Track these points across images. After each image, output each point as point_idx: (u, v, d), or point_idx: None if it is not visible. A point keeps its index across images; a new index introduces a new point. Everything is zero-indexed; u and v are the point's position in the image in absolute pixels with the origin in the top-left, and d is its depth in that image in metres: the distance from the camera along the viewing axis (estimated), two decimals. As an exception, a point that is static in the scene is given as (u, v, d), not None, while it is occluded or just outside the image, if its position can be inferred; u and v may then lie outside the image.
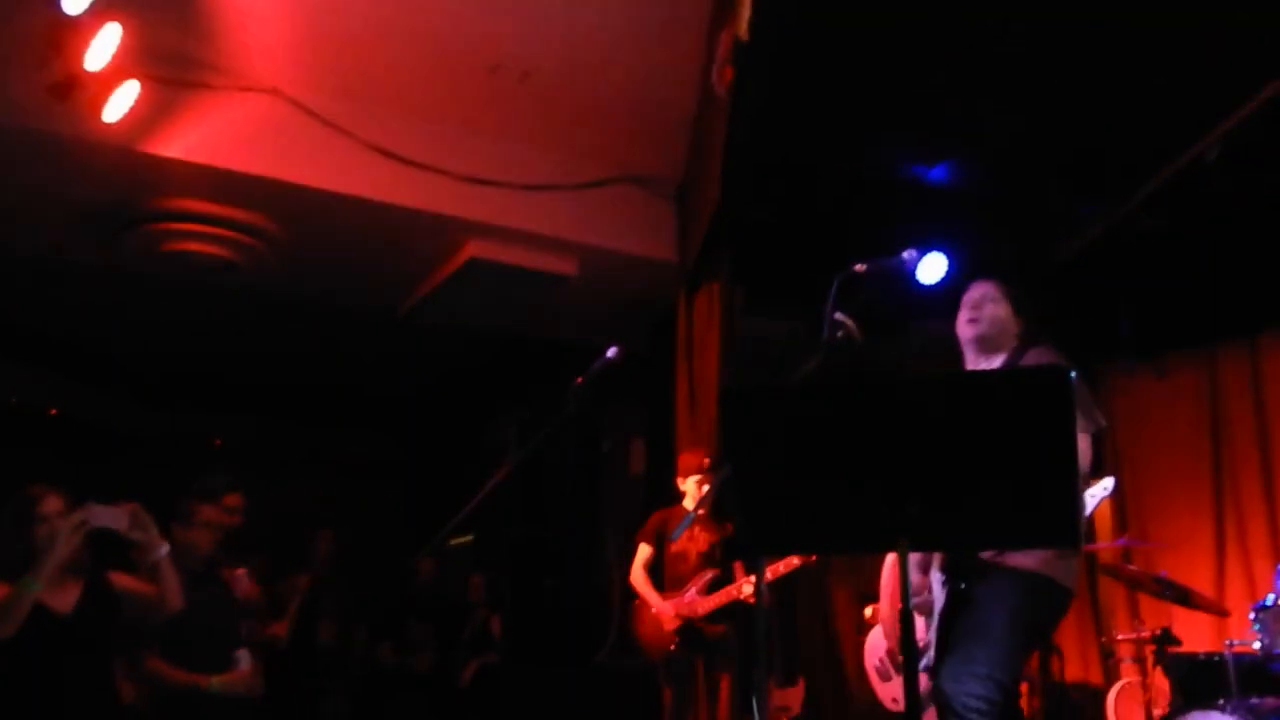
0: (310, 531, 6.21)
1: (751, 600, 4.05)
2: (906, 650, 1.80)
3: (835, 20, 3.96)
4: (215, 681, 3.41)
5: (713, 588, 4.22)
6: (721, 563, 4.30)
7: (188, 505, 3.61)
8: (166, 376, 7.73)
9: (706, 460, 4.44)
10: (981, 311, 2.74)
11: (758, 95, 4.22)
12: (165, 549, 3.13)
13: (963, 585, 2.40)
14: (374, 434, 9.10)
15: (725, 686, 4.18)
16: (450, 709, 6.08)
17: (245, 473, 4.18)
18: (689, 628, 4.20)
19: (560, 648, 6.02)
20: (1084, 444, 2.34)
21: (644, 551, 4.43)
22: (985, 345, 2.74)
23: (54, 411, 7.46)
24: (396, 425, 9.00)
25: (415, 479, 8.91)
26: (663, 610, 4.23)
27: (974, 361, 2.77)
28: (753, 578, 4.09)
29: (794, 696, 4.92)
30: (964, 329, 2.78)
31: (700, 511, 4.27)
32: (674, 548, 4.35)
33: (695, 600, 4.22)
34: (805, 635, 5.85)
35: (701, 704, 4.33)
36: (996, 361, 2.72)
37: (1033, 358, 2.61)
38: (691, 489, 4.40)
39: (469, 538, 6.90)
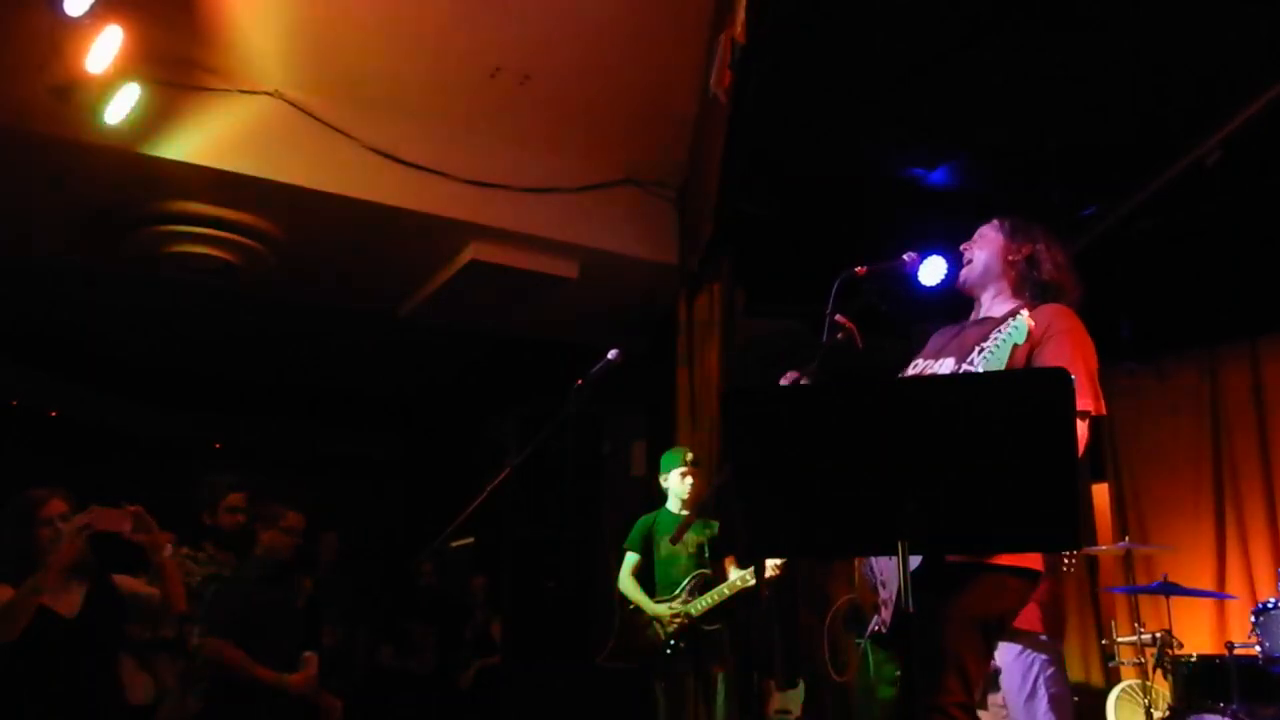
0: (312, 533, 6.20)
1: (749, 586, 4.05)
2: (906, 652, 1.80)
3: (834, 21, 3.96)
4: (289, 680, 3.47)
5: (704, 587, 4.23)
6: (711, 561, 4.31)
7: (273, 509, 3.68)
8: (167, 377, 7.73)
9: (689, 455, 4.44)
10: (973, 252, 2.51)
11: (757, 98, 4.22)
12: (168, 551, 3.14)
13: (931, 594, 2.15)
14: (374, 434, 9.11)
15: (719, 682, 4.18)
16: (451, 710, 6.08)
17: (247, 472, 4.19)
18: (685, 630, 4.20)
19: (561, 649, 6.02)
20: (1082, 429, 2.17)
21: (631, 559, 4.40)
22: (981, 287, 2.50)
23: (54, 414, 7.46)
24: (397, 426, 9.01)
25: (415, 479, 8.91)
26: (659, 615, 4.24)
27: (978, 305, 2.52)
28: (746, 572, 4.09)
29: (794, 699, 4.91)
30: (960, 275, 2.53)
31: (682, 511, 4.31)
32: (664, 550, 4.36)
33: (689, 602, 4.22)
34: (805, 637, 5.84)
35: (695, 704, 4.33)
36: (1004, 307, 2.45)
37: (1043, 316, 2.29)
38: (675, 485, 4.40)
39: (470, 540, 6.90)
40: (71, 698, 2.92)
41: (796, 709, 4.89)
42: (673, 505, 4.42)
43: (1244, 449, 5.33)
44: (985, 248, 2.51)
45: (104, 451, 7.38)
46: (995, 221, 2.55)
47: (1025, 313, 2.20)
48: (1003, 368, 2.17)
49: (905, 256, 2.66)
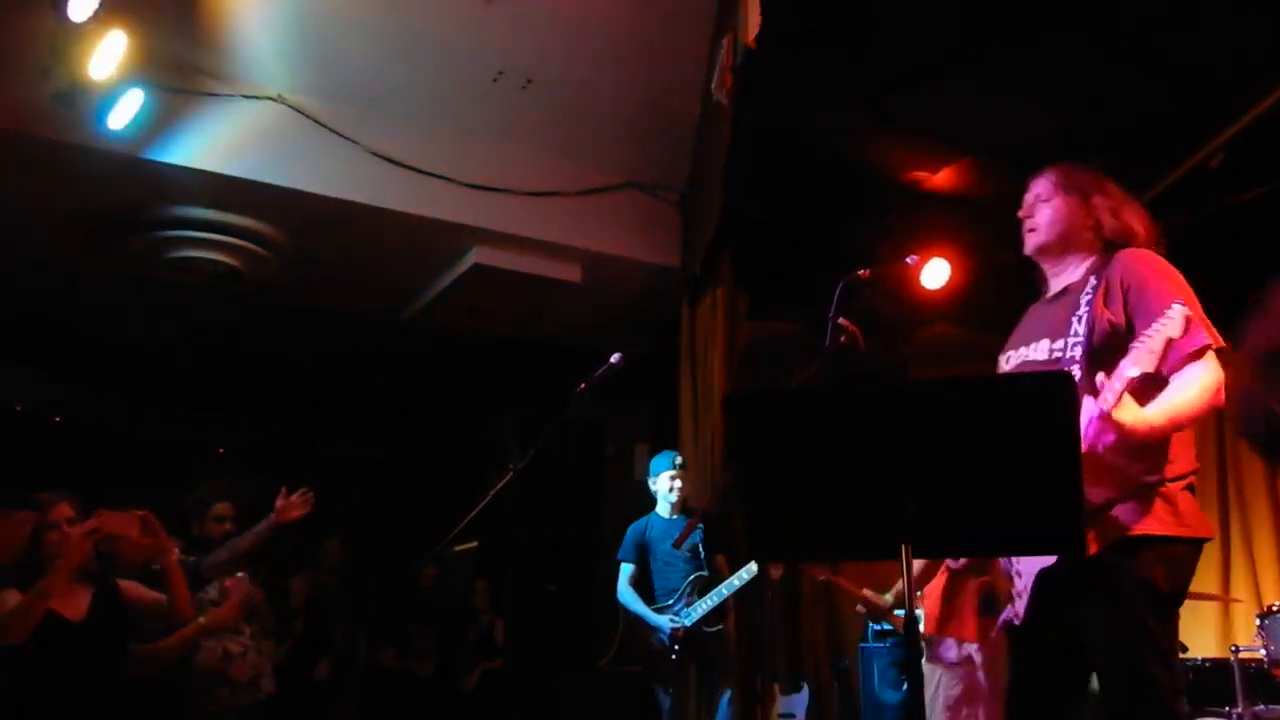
0: (313, 535, 6.21)
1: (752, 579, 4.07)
2: (909, 659, 1.80)
3: (836, 22, 3.96)
4: (203, 620, 3.41)
5: (703, 589, 4.22)
6: (706, 562, 4.31)
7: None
8: (168, 378, 7.75)
9: (679, 459, 4.45)
10: (1036, 218, 2.30)
11: (759, 100, 4.22)
12: (175, 555, 3.14)
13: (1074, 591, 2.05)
14: (374, 434, 9.11)
15: (722, 687, 4.19)
16: (453, 713, 6.08)
17: (247, 474, 4.18)
18: (687, 636, 4.19)
19: (563, 652, 6.01)
20: (1204, 374, 2.02)
21: (626, 570, 4.40)
22: (1053, 254, 2.31)
23: (58, 419, 7.47)
24: (397, 426, 9.01)
25: (415, 479, 8.92)
26: (660, 624, 4.23)
27: (1052, 277, 2.34)
28: (743, 570, 4.10)
29: (798, 703, 4.90)
30: (1025, 244, 2.34)
31: (673, 516, 4.32)
32: (661, 556, 4.36)
33: (690, 606, 4.22)
34: (810, 640, 5.83)
35: (698, 708, 4.32)
36: (1079, 270, 2.27)
37: (1121, 264, 2.16)
38: (663, 490, 4.40)
39: (473, 544, 6.90)
40: (75, 702, 2.92)
41: (800, 713, 4.88)
42: (662, 510, 4.42)
43: (1248, 452, 5.31)
44: (1046, 211, 2.30)
45: (104, 452, 7.39)
46: (1047, 177, 2.34)
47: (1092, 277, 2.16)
48: (1095, 333, 2.10)
49: (908, 259, 2.65)
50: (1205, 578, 5.19)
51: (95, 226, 4.89)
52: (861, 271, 2.67)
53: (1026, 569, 2.18)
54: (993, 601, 3.15)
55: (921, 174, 4.94)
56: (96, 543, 2.95)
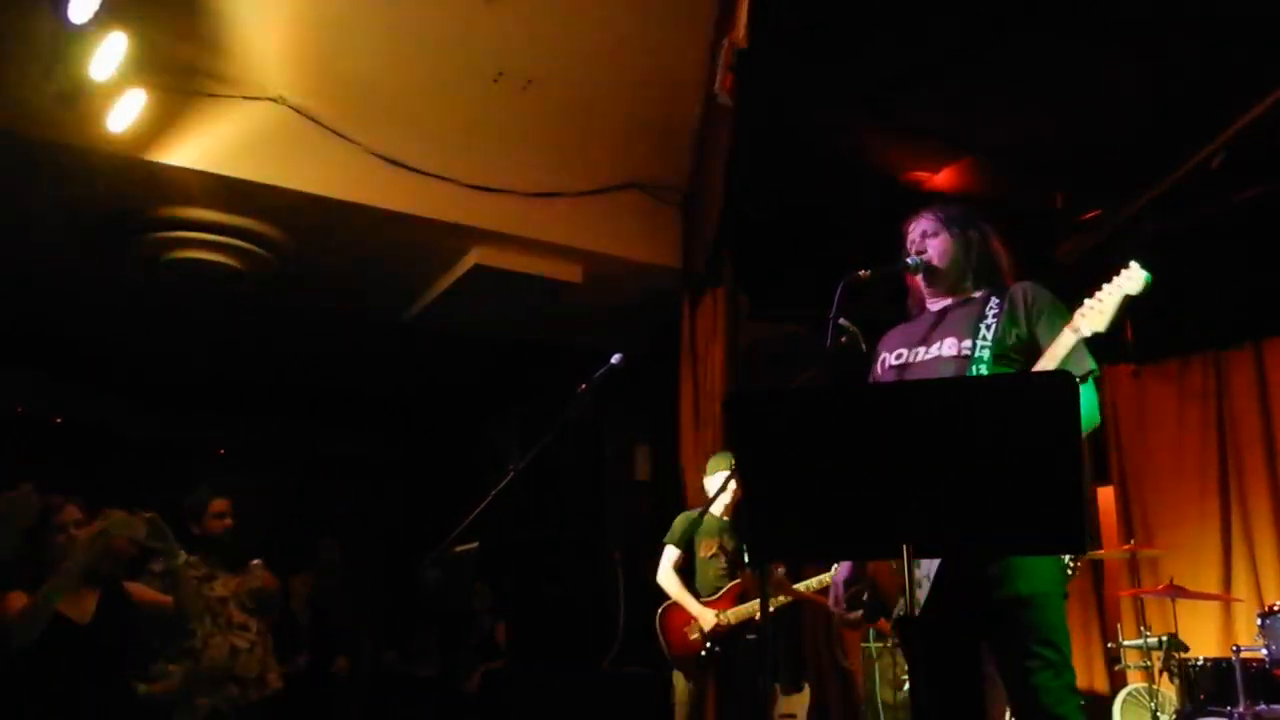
0: (312, 536, 6.22)
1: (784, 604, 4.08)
2: (911, 658, 1.80)
3: (837, 22, 3.96)
4: (142, 688, 3.37)
5: (741, 597, 4.24)
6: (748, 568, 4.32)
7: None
8: (169, 380, 7.75)
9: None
10: (929, 252, 2.56)
11: (759, 101, 4.23)
12: (182, 558, 3.15)
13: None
14: (375, 435, 9.12)
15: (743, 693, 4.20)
16: (456, 714, 6.08)
17: (247, 475, 4.18)
18: (723, 635, 4.20)
19: (565, 654, 6.01)
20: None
21: (671, 553, 4.40)
22: (944, 279, 2.56)
23: (58, 420, 7.48)
24: (397, 426, 9.02)
25: (415, 480, 8.93)
26: (703, 616, 4.23)
27: (942, 297, 2.58)
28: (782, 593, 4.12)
29: (799, 703, 4.90)
30: (922, 274, 2.60)
31: (725, 516, 4.31)
32: (704, 552, 4.36)
33: (729, 609, 4.24)
34: (811, 640, 5.83)
35: (710, 707, 4.33)
36: (976, 291, 2.54)
37: (1023, 288, 2.45)
38: (713, 489, 4.40)
39: (474, 545, 6.90)
40: (84, 704, 2.92)
41: (802, 713, 4.88)
42: (716, 508, 4.43)
43: (1250, 452, 5.31)
44: (936, 243, 2.58)
45: (105, 453, 7.40)
46: (931, 216, 2.62)
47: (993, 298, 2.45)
48: (1004, 340, 2.35)
49: (909, 259, 2.66)
50: (1206, 577, 5.19)
51: (96, 228, 4.89)
52: (862, 272, 2.68)
53: (924, 559, 2.27)
54: (877, 599, 3.09)
55: (921, 174, 4.94)
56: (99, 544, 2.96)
